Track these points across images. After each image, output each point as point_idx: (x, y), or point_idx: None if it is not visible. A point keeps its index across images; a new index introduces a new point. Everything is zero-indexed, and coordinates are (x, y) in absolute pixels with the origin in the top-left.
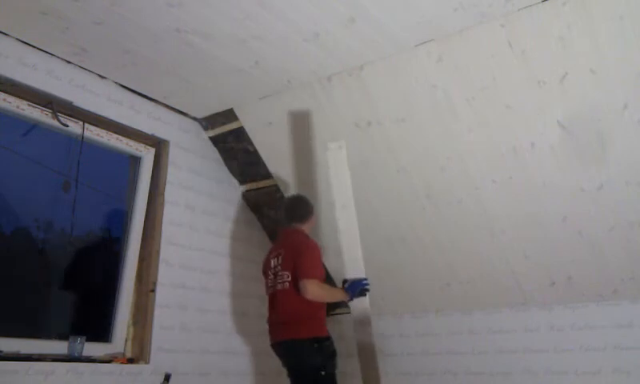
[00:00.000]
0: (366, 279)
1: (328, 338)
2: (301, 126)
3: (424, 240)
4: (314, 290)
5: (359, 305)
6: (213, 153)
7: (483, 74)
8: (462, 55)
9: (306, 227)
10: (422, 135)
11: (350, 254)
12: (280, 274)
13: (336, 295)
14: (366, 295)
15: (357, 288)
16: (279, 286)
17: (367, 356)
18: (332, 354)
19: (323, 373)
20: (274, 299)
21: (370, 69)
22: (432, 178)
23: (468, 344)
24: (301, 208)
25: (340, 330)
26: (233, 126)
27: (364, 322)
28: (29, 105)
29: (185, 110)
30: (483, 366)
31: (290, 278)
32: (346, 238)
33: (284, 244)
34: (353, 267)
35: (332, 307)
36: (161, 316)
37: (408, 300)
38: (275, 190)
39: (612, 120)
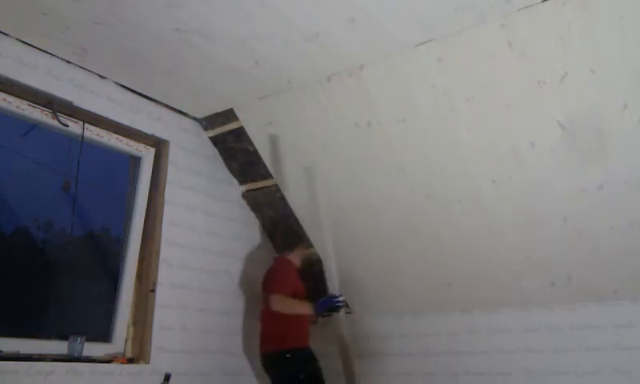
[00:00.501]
0: (338, 297)
1: (303, 349)
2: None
3: (424, 240)
4: (277, 303)
5: (341, 337)
6: (213, 153)
7: (483, 74)
8: (462, 55)
9: (292, 256)
10: (422, 135)
11: (328, 271)
12: (262, 293)
13: (300, 309)
14: (339, 311)
15: (326, 305)
16: (262, 306)
17: (345, 354)
18: (308, 360)
19: (302, 376)
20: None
21: (370, 69)
22: (432, 177)
23: (468, 344)
24: (288, 238)
25: (336, 331)
26: (233, 126)
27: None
28: (29, 105)
29: (185, 110)
30: (483, 365)
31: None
32: (323, 256)
33: (268, 269)
34: (330, 283)
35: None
36: (161, 316)
37: (408, 300)
38: (275, 190)
39: (612, 120)
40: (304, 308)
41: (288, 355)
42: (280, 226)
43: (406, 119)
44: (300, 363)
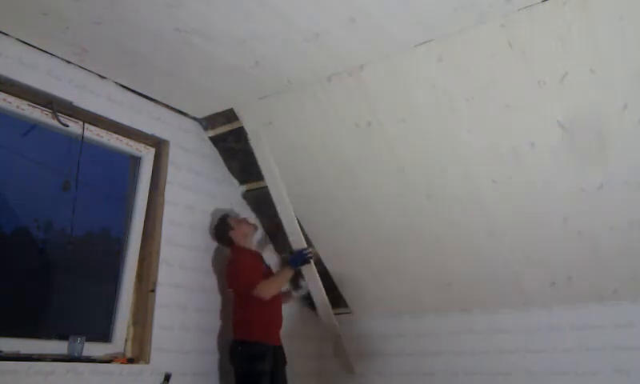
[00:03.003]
0: (306, 248)
1: (254, 343)
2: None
3: (424, 240)
4: (265, 291)
5: (315, 287)
6: (213, 153)
7: (483, 74)
8: (462, 55)
9: (236, 243)
10: (422, 135)
11: (290, 229)
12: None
13: (283, 276)
14: (310, 262)
15: (298, 259)
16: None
17: (334, 337)
18: (252, 358)
19: (239, 373)
20: None
21: (370, 69)
22: (432, 177)
23: (468, 344)
24: (219, 236)
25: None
26: (233, 126)
27: (325, 304)
28: (29, 105)
29: (185, 110)
30: (483, 366)
31: (232, 292)
32: (283, 216)
33: (227, 264)
34: (294, 240)
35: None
36: (161, 316)
37: (408, 300)
38: None
39: (612, 120)
40: (284, 273)
41: (240, 348)
42: (213, 227)
43: (406, 119)
44: (243, 359)
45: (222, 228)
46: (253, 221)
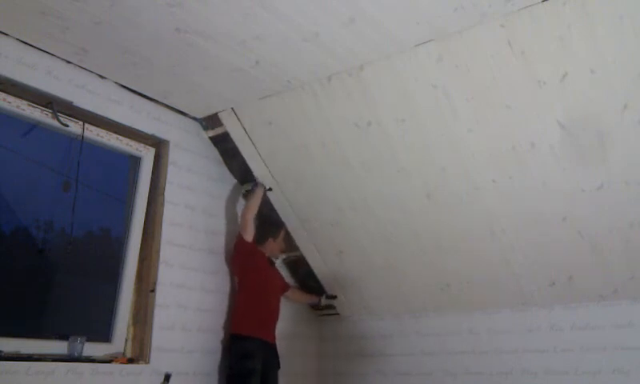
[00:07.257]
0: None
1: (246, 338)
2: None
3: (424, 240)
4: (242, 226)
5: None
6: (213, 153)
7: (483, 74)
8: (462, 55)
9: (261, 246)
10: (421, 135)
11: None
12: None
13: (253, 199)
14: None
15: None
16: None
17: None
18: (243, 356)
19: (228, 372)
20: None
21: (370, 69)
22: (432, 178)
23: (468, 344)
24: (262, 231)
25: (336, 331)
26: None
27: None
28: (29, 105)
29: (185, 110)
30: (483, 366)
31: (237, 279)
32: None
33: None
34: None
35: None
36: (161, 316)
37: (408, 300)
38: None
39: (612, 120)
40: (255, 195)
41: (232, 347)
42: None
43: (406, 119)
44: (237, 356)
45: (269, 229)
46: (254, 221)
